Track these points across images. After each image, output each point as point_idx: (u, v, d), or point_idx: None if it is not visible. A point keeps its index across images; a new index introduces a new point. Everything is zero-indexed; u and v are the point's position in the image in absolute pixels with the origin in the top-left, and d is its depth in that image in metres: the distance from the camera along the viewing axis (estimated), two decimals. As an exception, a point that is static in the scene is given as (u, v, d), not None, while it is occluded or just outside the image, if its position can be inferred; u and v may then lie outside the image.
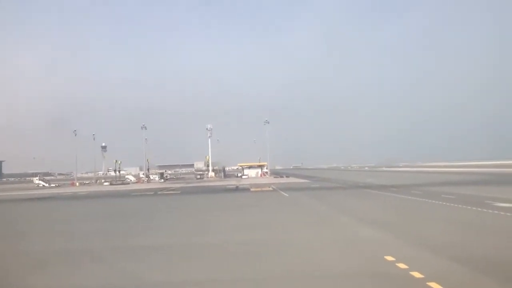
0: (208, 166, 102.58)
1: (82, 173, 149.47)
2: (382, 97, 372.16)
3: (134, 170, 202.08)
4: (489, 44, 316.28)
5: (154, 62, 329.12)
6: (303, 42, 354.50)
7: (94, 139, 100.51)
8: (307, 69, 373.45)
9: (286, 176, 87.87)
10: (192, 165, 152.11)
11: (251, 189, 47.19)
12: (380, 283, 9.03)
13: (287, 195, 36.71)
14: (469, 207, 21.58)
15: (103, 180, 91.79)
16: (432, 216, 19.76)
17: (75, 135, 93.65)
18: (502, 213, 19.10)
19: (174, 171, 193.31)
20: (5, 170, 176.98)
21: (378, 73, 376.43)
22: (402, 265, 10.11)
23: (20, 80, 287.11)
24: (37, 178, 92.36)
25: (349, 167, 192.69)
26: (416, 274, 9.30)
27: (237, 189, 50.26)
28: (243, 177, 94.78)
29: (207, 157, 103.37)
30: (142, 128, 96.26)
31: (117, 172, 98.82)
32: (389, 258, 10.88)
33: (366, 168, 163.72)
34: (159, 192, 48.18)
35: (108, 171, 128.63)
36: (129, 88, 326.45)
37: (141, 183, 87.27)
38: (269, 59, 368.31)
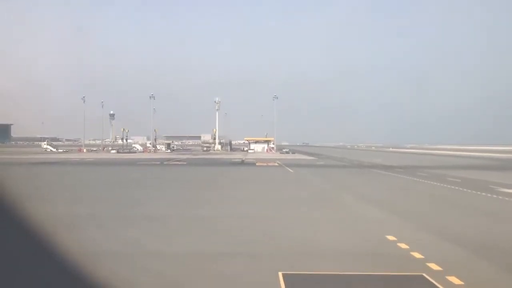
0: (214, 139, 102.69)
1: (89, 140, 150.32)
2: (393, 77, 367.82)
3: (142, 139, 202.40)
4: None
5: (164, 32, 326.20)
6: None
7: (102, 106, 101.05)
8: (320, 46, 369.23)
9: (292, 153, 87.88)
10: (199, 137, 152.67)
11: (257, 164, 47.31)
12: (381, 262, 9.07)
13: (292, 171, 36.82)
14: (473, 191, 21.50)
15: (110, 148, 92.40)
16: (435, 198, 19.75)
17: (84, 102, 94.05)
18: (506, 198, 19.01)
19: (181, 142, 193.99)
20: (13, 134, 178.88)
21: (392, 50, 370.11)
22: (403, 245, 10.15)
23: (33, 45, 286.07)
24: (45, 142, 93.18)
25: (356, 146, 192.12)
26: (417, 255, 9.34)
27: (242, 163, 50.43)
28: (249, 151, 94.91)
29: (214, 130, 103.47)
30: (150, 98, 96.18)
31: (125, 141, 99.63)
32: (391, 237, 10.91)
33: (373, 148, 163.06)
34: (165, 163, 48.47)
35: (116, 139, 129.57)
36: (139, 58, 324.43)
37: (148, 152, 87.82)
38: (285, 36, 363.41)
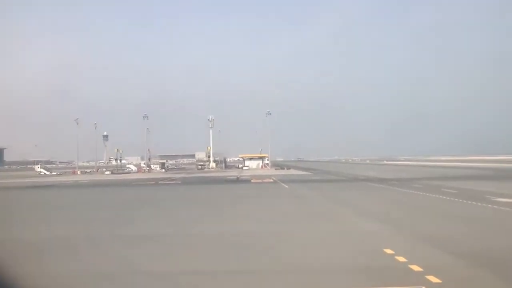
0: (209, 157, 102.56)
1: (83, 162, 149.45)
2: (386, 92, 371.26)
3: (136, 159, 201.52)
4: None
5: (159, 53, 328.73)
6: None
7: (95, 128, 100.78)
8: (313, 63, 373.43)
9: (287, 168, 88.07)
10: (193, 156, 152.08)
11: (252, 180, 47.22)
12: (380, 276, 9.04)
13: (287, 186, 36.78)
14: (468, 202, 21.55)
15: (104, 169, 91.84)
16: (431, 210, 19.78)
17: (77, 123, 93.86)
18: (502, 208, 19.08)
19: (176, 161, 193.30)
20: (6, 158, 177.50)
21: (384, 68, 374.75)
22: (401, 259, 10.13)
23: (22, 70, 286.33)
24: (39, 166, 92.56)
25: (350, 160, 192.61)
26: (415, 268, 9.32)
27: (237, 180, 50.31)
28: (244, 168, 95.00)
29: (208, 148, 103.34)
30: (144, 118, 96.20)
31: (119, 161, 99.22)
32: (389, 251, 10.89)
33: (368, 161, 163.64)
34: (160, 182, 48.22)
35: (110, 160, 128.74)
36: (133, 80, 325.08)
37: (142, 172, 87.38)
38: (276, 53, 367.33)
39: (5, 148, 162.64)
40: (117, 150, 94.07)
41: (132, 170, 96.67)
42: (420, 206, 21.31)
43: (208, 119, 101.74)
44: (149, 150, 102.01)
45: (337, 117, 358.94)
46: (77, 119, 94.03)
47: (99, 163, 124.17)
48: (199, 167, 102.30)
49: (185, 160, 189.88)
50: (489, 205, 19.99)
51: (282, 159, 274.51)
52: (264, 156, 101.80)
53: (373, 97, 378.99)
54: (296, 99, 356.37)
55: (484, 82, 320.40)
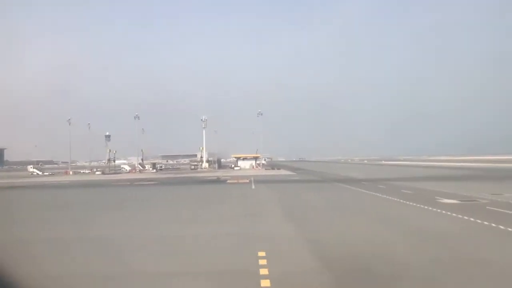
0: (202, 157, 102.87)
1: (85, 162, 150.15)
2: (388, 92, 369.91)
3: (137, 159, 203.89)
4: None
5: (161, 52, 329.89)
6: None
7: (89, 128, 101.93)
8: (315, 64, 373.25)
9: (278, 168, 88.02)
10: (195, 156, 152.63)
11: (228, 181, 47.17)
12: (223, 280, 8.94)
13: (254, 187, 36.75)
14: (412, 203, 21.27)
15: (95, 169, 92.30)
16: (365, 212, 19.55)
17: (69, 123, 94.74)
18: (433, 209, 18.80)
19: (177, 161, 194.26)
20: (9, 158, 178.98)
21: (385, 69, 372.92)
22: (262, 262, 9.98)
23: (23, 70, 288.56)
24: (31, 166, 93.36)
25: (349, 160, 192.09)
26: (264, 271, 9.18)
27: (214, 181, 50.21)
28: (235, 168, 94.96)
29: (201, 148, 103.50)
30: (140, 118, 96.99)
31: (113, 162, 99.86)
32: (261, 253, 10.75)
33: (365, 161, 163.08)
34: (135, 183, 48.29)
35: (111, 160, 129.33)
36: (135, 80, 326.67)
37: (133, 173, 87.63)
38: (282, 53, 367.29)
39: (5, 148, 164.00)
40: (109, 150, 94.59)
41: (125, 170, 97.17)
42: (353, 208, 21.10)
43: (201, 119, 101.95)
44: (142, 150, 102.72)
45: (340, 117, 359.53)
46: (69, 119, 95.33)
47: (101, 162, 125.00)
48: (192, 167, 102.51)
49: (187, 160, 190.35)
50: (425, 206, 19.80)
51: (283, 159, 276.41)
52: (257, 156, 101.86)
53: (375, 97, 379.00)
54: (298, 100, 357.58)
55: (485, 81, 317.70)
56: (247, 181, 46.47)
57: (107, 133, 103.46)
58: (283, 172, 72.11)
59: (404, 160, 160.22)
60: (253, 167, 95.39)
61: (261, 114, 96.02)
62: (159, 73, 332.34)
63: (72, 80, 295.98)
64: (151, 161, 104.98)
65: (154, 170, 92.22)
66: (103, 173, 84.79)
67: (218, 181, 49.33)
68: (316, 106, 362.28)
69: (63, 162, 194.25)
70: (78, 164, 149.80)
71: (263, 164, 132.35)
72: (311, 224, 16.03)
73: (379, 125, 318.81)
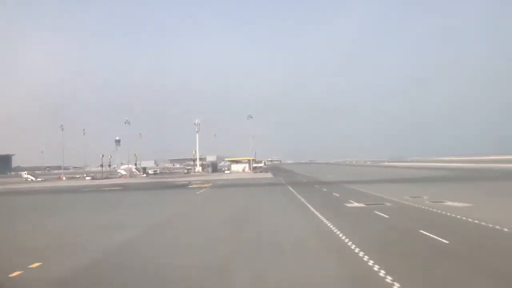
0: (194, 160, 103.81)
1: (96, 167, 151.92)
2: (398, 94, 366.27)
3: (149, 163, 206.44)
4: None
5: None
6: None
7: (84, 134, 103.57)
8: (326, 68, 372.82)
9: (265, 172, 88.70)
10: (204, 159, 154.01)
11: (189, 186, 48.39)
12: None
13: (200, 192, 38.16)
14: (314, 207, 21.68)
15: (85, 175, 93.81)
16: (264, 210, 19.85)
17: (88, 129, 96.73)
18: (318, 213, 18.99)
19: (183, 164, 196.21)
20: (20, 163, 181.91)
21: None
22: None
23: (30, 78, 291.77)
24: (25, 172, 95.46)
25: (354, 162, 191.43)
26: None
27: (179, 185, 50.60)
28: (226, 172, 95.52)
29: (194, 152, 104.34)
30: (125, 123, 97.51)
31: (109, 167, 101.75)
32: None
33: (369, 162, 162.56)
34: (102, 188, 49.31)
35: (122, 164, 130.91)
36: (144, 84, 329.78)
37: (124, 178, 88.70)
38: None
39: (13, 155, 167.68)
40: (102, 155, 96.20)
41: (122, 174, 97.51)
42: (261, 210, 21.45)
43: (194, 123, 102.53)
44: (135, 155, 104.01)
45: (350, 120, 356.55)
46: (62, 125, 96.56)
47: (113, 167, 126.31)
48: (185, 171, 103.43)
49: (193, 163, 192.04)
50: (317, 211, 20.05)
51: (292, 161, 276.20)
52: (250, 160, 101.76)
53: (385, 100, 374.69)
54: (309, 103, 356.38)
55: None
56: (209, 185, 47.26)
57: (117, 138, 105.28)
58: (263, 175, 72.47)
59: (411, 161, 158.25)
60: (243, 170, 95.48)
61: (251, 117, 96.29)
62: (169, 76, 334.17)
63: (83, 87, 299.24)
64: (141, 166, 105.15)
65: (144, 175, 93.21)
66: (93, 178, 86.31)
67: (182, 186, 49.96)
68: (330, 108, 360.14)
69: (74, 167, 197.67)
70: (91, 169, 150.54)
71: (261, 167, 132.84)
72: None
73: (395, 126, 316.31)
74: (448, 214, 17.42)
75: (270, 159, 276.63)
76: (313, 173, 75.15)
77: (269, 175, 73.52)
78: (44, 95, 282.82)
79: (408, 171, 70.50)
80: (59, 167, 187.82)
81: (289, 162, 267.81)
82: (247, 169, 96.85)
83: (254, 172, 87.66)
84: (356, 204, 22.51)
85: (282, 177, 63.22)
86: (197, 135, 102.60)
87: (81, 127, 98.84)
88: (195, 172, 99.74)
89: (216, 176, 75.07)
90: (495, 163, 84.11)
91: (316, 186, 39.01)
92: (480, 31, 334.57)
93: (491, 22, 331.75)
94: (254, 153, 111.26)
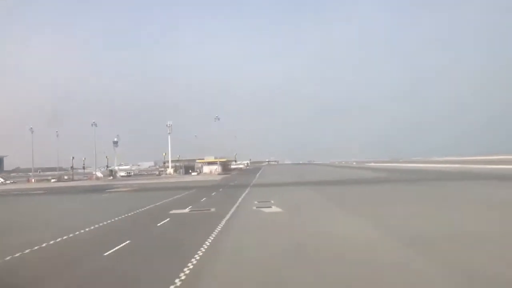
0: (164, 163, 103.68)
1: (97, 168, 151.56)
2: (400, 94, 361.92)
3: (148, 164, 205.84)
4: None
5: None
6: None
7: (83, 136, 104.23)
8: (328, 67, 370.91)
9: (230, 173, 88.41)
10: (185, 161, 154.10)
11: (107, 190, 47.95)
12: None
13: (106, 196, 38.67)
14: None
15: (50, 177, 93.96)
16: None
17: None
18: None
19: (158, 166, 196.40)
20: (14, 166, 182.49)
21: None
22: None
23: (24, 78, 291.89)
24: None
25: (343, 163, 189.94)
26: None
27: (94, 189, 50.39)
28: (193, 174, 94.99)
29: (164, 154, 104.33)
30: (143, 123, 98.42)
31: (82, 169, 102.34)
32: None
33: (354, 163, 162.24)
34: (31, 192, 49.86)
35: (121, 165, 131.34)
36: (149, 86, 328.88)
37: (91, 180, 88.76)
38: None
39: (6, 156, 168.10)
40: (73, 157, 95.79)
41: (97, 177, 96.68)
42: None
43: (167, 125, 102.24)
44: (107, 157, 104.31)
45: (351, 120, 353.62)
46: (31, 127, 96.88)
47: (110, 168, 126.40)
48: (157, 173, 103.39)
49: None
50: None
51: (289, 162, 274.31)
52: (218, 161, 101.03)
53: (385, 100, 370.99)
54: (309, 103, 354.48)
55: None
56: (129, 189, 47.40)
57: (115, 139, 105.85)
58: (221, 177, 71.63)
59: (412, 162, 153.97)
60: (211, 172, 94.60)
61: (219, 119, 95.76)
62: (173, 76, 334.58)
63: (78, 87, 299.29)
64: (109, 168, 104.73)
65: (111, 177, 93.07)
66: (58, 180, 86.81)
67: (97, 189, 50.15)
68: (330, 108, 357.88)
69: (64, 169, 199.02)
70: (87, 170, 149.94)
71: (240, 168, 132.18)
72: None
73: (398, 126, 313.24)
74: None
75: (267, 160, 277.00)
76: (275, 175, 74.69)
77: (222, 176, 73.37)
78: (44, 95, 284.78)
79: (365, 172, 69.13)
80: (53, 169, 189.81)
81: (286, 162, 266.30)
82: (214, 171, 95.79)
83: (223, 174, 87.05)
84: (178, 211, 21.99)
85: (235, 179, 62.25)
86: (169, 136, 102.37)
87: (81, 127, 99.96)
88: (166, 174, 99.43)
89: (177, 179, 74.36)
90: (477, 164, 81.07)
91: (220, 189, 38.66)
92: (480, 31, 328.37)
93: (491, 22, 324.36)
94: (235, 154, 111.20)
